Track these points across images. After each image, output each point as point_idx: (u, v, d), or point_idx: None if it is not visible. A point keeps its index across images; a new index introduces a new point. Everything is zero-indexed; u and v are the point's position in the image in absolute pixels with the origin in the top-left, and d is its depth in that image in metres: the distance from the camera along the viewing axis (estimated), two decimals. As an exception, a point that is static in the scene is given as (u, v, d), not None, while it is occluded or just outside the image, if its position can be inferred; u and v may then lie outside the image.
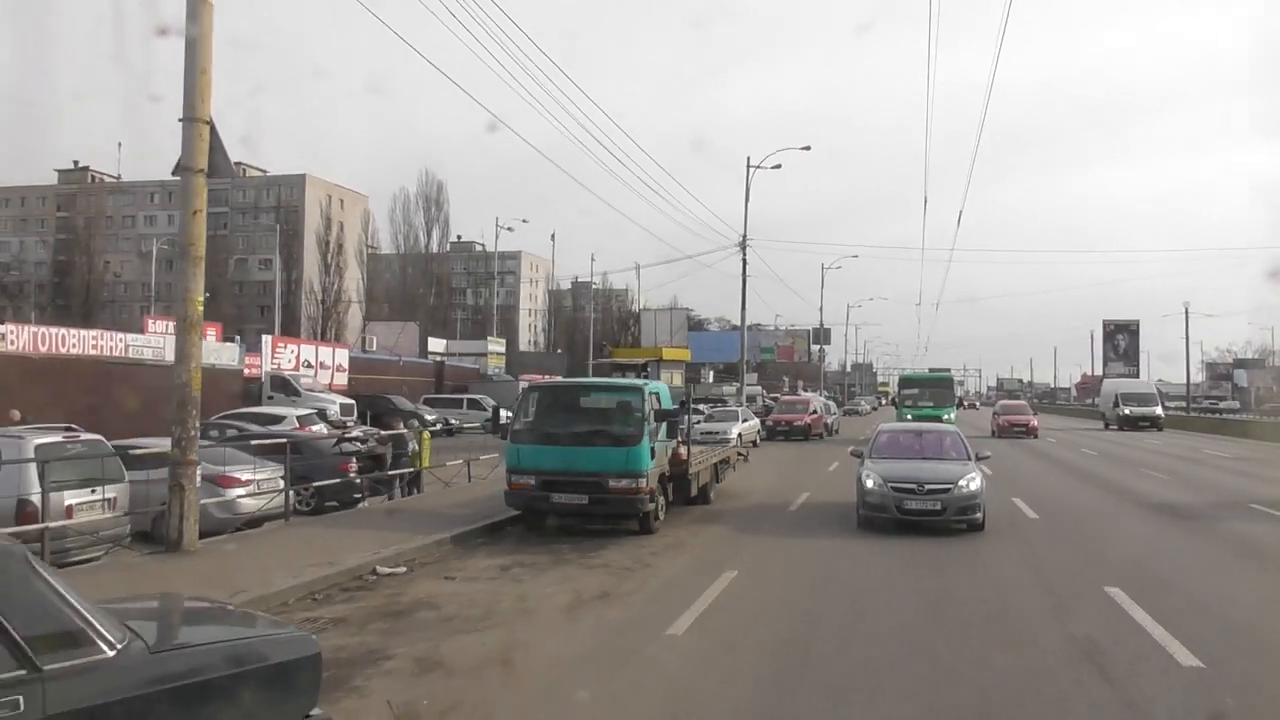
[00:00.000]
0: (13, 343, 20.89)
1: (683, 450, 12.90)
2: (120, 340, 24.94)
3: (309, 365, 33.10)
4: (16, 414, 18.30)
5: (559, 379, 14.21)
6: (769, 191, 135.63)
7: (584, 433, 11.48)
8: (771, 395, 54.38)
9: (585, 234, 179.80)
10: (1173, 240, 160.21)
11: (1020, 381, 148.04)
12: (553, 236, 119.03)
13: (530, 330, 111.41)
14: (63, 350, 22.01)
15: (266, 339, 31.89)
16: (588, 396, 12.63)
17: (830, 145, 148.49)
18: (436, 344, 47.78)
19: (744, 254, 38.44)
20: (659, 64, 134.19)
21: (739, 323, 64.85)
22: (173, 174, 10.10)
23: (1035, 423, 37.76)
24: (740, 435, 24.86)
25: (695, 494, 13.54)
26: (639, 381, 13.22)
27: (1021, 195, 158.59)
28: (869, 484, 12.24)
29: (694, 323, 76.25)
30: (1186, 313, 66.23)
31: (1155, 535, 12.62)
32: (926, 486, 11.93)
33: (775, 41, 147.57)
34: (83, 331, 25.15)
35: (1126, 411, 44.01)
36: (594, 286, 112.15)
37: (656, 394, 12.24)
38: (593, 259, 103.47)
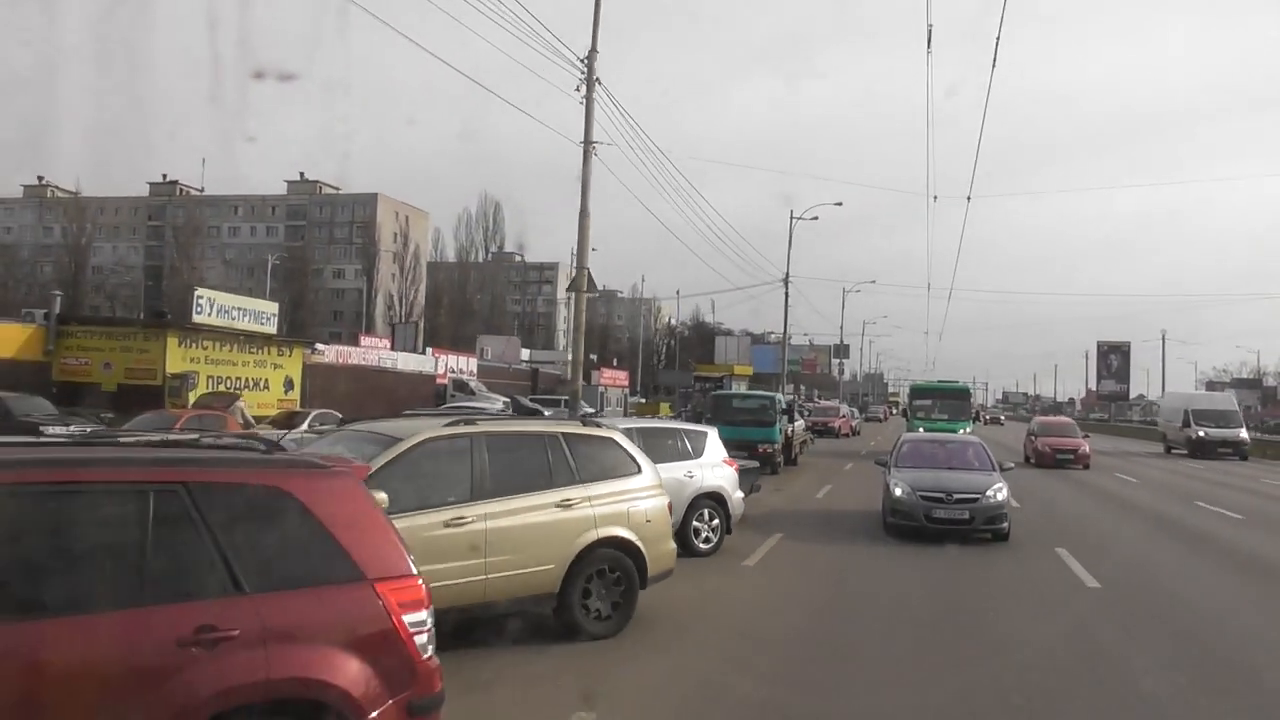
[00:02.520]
0: (325, 355, 31.74)
1: (789, 431, 23.84)
2: (375, 355, 35.87)
3: (453, 370, 43.95)
4: (333, 413, 29.10)
5: (731, 390, 25.01)
6: (773, 199, 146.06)
7: (745, 420, 22.34)
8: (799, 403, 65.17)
9: (604, 240, 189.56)
10: (1167, 255, 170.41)
11: (1025, 395, 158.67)
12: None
13: (566, 337, 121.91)
14: (349, 361, 32.87)
15: (429, 350, 42.74)
16: (744, 401, 23.55)
17: (833, 156, 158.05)
18: (523, 353, 58.76)
19: (786, 289, 49.36)
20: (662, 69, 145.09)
21: (755, 333, 75.79)
22: (566, 290, 20.92)
23: (1088, 448, 29.23)
24: (795, 430, 35.72)
25: (793, 458, 24.44)
26: (773, 393, 24.18)
27: (1028, 206, 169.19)
28: (897, 492, 12.73)
29: (722, 332, 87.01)
30: (1163, 340, 76.96)
31: None
32: (955, 496, 12.36)
33: (768, 54, 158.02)
34: (359, 349, 36.04)
35: (1201, 434, 35.95)
36: (620, 295, 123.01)
37: (780, 400, 23.19)
38: (643, 279, 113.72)
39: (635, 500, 7.54)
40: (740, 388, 39.98)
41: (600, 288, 25.14)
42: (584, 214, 20.25)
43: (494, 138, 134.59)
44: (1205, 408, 38.44)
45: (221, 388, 25.96)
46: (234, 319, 27.06)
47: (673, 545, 7.91)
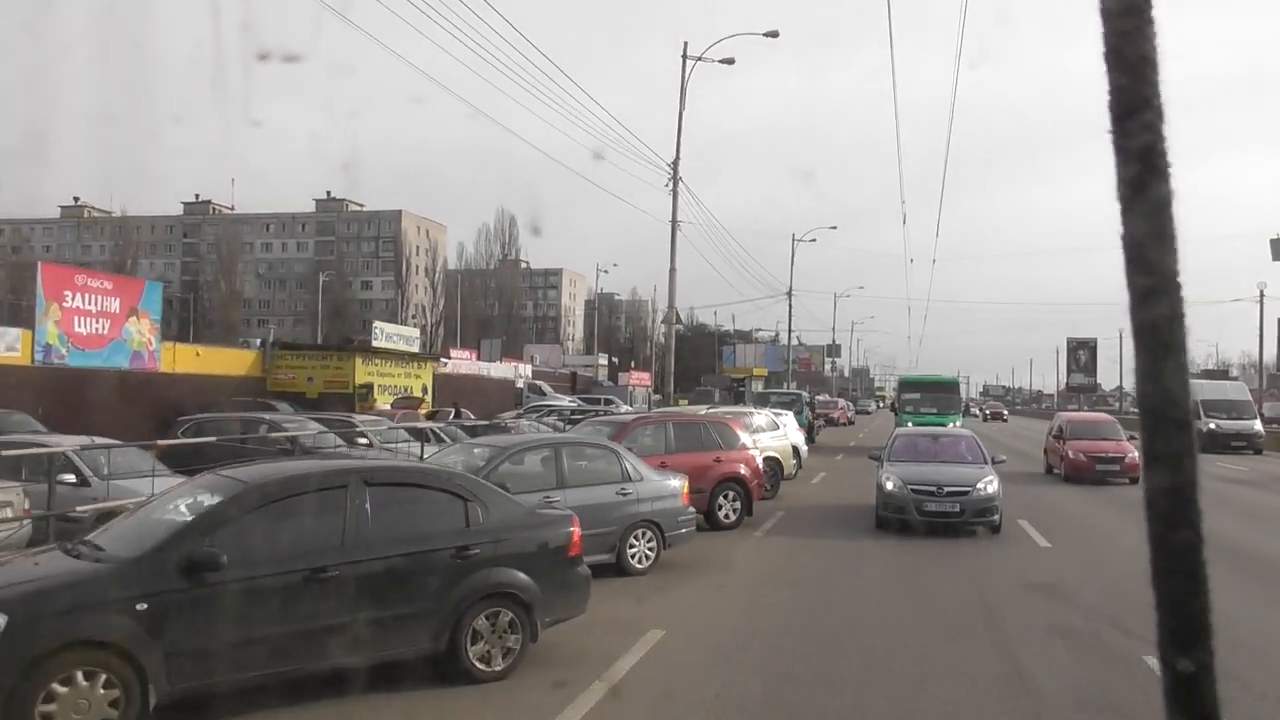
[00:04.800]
0: (449, 366, 41.46)
1: (810, 418, 34.14)
2: (476, 365, 45.71)
3: (516, 376, 53.83)
4: (467, 411, 38.92)
5: (773, 389, 35.25)
6: (752, 193, 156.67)
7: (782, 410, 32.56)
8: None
9: (595, 237, 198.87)
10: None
11: (1005, 388, 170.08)
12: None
13: (571, 339, 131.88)
14: (460, 371, 42.61)
15: (499, 359, 52.74)
16: (780, 396, 33.72)
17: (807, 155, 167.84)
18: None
19: (790, 302, 59.68)
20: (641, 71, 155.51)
21: (743, 330, 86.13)
22: (662, 322, 30.99)
23: (1136, 456, 19.93)
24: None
25: (812, 438, 34.71)
26: (799, 391, 34.46)
27: (1005, 203, 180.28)
28: (889, 486, 13.41)
29: (722, 335, 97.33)
30: (1120, 337, 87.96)
31: None
32: (946, 489, 12.98)
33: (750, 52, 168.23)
34: (465, 361, 45.86)
35: (1212, 426, 34.14)
36: (599, 293, 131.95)
37: (805, 395, 33.44)
38: (654, 289, 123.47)
39: (778, 442, 17.74)
40: (759, 386, 50.43)
41: (344, 205, 35.14)
42: (673, 271, 30.36)
43: (497, 149, 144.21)
44: (1215, 398, 35.99)
45: (386, 395, 35.83)
46: (395, 342, 36.96)
47: (794, 462, 18.11)
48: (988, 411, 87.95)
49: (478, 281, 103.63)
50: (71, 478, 11.37)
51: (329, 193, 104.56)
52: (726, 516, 13.42)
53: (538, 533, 6.88)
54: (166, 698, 5.32)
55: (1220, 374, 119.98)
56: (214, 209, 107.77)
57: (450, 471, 7.33)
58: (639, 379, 66.12)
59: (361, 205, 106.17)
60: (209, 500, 5.95)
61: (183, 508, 6.14)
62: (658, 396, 69.89)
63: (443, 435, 20.14)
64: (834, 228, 58.12)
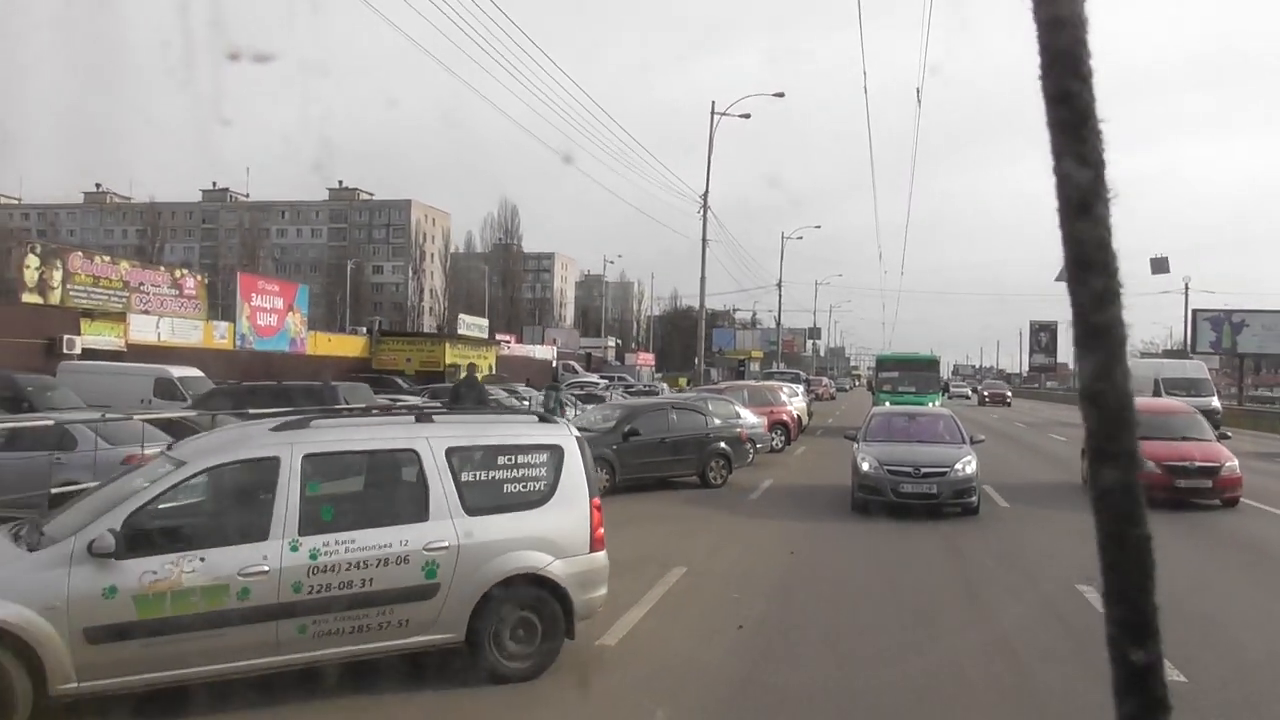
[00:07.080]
0: (505, 350, 50.89)
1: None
2: (522, 347, 55.22)
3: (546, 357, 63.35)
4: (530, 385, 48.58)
5: (782, 368, 45.27)
6: (732, 173, 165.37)
7: (784, 385, 42.59)
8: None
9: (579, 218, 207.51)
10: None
11: (974, 367, 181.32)
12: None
13: (561, 319, 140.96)
14: (514, 354, 52.09)
15: (541, 343, 62.35)
16: (781, 376, 43.64)
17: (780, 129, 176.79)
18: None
19: (780, 293, 69.72)
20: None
21: (720, 310, 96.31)
22: (698, 307, 40.77)
23: (1236, 466, 14.71)
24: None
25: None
26: (798, 371, 44.56)
27: (980, 184, 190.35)
28: (864, 467, 13.48)
29: (709, 318, 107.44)
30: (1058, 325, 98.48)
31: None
32: (922, 470, 13.08)
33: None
34: (517, 344, 55.45)
35: None
36: (606, 281, 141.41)
37: (801, 374, 43.49)
38: (652, 276, 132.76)
39: (797, 404, 27.72)
40: (755, 367, 60.58)
41: (356, 194, 44.93)
42: (703, 280, 40.16)
43: (492, 140, 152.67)
44: (1175, 376, 37.81)
45: (464, 373, 45.39)
46: (472, 331, 46.51)
47: (807, 418, 28.11)
48: (985, 393, 69.14)
49: (483, 266, 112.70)
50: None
51: (341, 182, 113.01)
52: (776, 445, 23.30)
53: (730, 430, 16.88)
54: (620, 481, 15.19)
55: (1180, 354, 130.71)
56: (231, 197, 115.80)
57: (700, 404, 17.31)
58: (645, 359, 76.19)
59: (371, 194, 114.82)
60: (619, 413, 15.83)
61: (608, 414, 16.01)
62: (659, 374, 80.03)
63: (566, 402, 29.90)
64: (818, 227, 67.85)
